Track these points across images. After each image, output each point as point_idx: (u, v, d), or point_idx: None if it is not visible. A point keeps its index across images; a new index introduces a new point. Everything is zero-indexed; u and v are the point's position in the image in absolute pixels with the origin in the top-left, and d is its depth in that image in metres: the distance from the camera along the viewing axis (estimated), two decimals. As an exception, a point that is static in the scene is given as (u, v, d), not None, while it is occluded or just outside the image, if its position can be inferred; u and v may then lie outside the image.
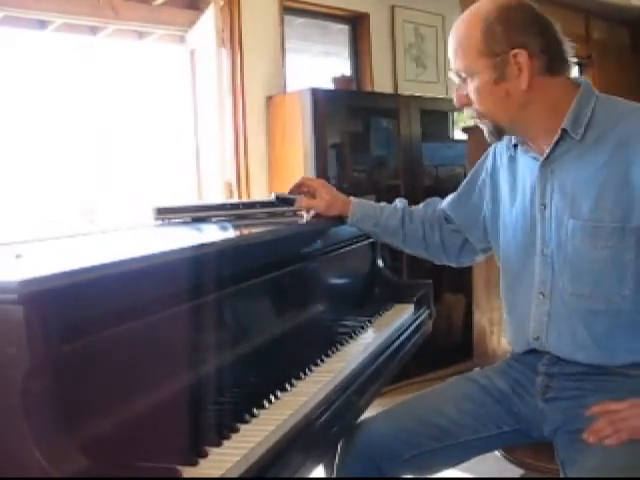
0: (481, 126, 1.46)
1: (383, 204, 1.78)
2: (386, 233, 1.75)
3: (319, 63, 4.58)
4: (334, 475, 1.48)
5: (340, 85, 3.77)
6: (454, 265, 1.78)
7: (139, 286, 1.01)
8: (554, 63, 1.38)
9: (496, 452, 1.53)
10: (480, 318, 3.66)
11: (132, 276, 0.98)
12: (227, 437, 1.02)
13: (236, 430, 1.05)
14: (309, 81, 3.78)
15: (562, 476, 1.31)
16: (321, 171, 3.41)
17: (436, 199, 1.79)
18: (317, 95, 3.39)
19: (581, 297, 1.37)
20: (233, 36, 3.54)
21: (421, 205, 1.77)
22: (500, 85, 1.37)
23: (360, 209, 1.74)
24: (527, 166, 1.48)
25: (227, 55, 3.54)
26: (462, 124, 4.38)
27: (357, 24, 4.26)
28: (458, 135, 4.40)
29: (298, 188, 1.75)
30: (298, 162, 3.44)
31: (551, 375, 1.43)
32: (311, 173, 3.39)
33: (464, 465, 1.53)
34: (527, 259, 1.47)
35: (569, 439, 1.34)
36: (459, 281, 4.08)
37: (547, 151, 1.41)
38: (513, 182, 1.53)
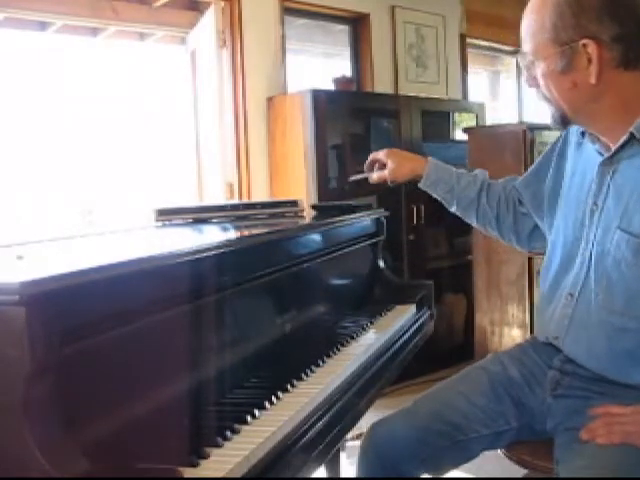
0: (548, 110, 1.38)
1: (462, 171, 1.71)
2: (459, 203, 1.68)
3: (320, 64, 4.58)
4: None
5: (341, 86, 3.77)
6: (526, 249, 1.72)
7: (140, 288, 1.00)
8: (629, 55, 1.25)
9: (498, 451, 1.52)
10: (481, 318, 3.66)
11: (134, 278, 0.98)
12: (228, 438, 1.02)
13: (237, 431, 1.04)
14: (310, 82, 3.78)
15: (555, 473, 1.31)
16: (322, 172, 3.41)
17: (517, 177, 1.69)
18: (318, 96, 3.39)
19: (612, 312, 1.31)
20: (234, 37, 3.54)
21: (501, 180, 1.69)
22: (567, 75, 1.28)
23: (435, 172, 1.69)
24: (590, 158, 1.40)
25: (228, 56, 3.55)
26: (463, 125, 4.39)
27: (358, 25, 4.26)
28: (459, 135, 4.40)
29: (371, 166, 1.81)
30: (299, 163, 3.44)
31: (564, 372, 1.41)
32: (312, 174, 3.39)
33: (465, 464, 1.53)
34: (569, 254, 1.41)
35: (567, 437, 1.33)
36: (460, 282, 4.08)
37: (612, 150, 1.32)
38: (574, 171, 1.46)
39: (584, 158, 1.44)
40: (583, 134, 1.43)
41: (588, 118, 1.35)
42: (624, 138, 1.29)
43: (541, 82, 1.34)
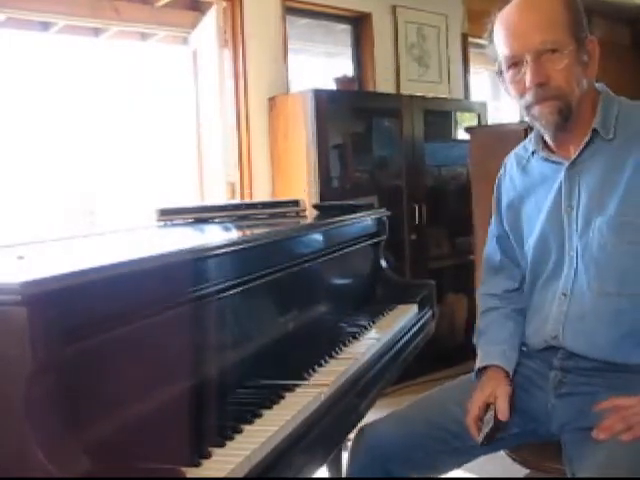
0: (543, 110, 1.37)
1: (504, 328, 1.59)
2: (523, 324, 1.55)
3: (321, 63, 4.58)
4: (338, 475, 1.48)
5: (342, 85, 3.77)
6: None
7: (142, 288, 1.01)
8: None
9: (501, 451, 1.52)
10: (483, 318, 3.65)
11: (135, 277, 0.98)
12: (230, 438, 1.02)
13: (239, 431, 1.05)
14: (311, 82, 3.79)
15: (569, 473, 1.31)
16: (323, 171, 3.41)
17: (496, 259, 1.63)
18: (319, 96, 3.39)
19: (608, 295, 1.36)
20: (235, 37, 3.54)
21: (498, 276, 1.63)
22: (581, 67, 1.36)
23: (505, 354, 1.53)
24: (545, 171, 1.47)
25: (229, 56, 3.55)
26: (465, 124, 4.39)
27: (359, 24, 4.26)
28: (461, 135, 4.40)
29: (484, 410, 1.44)
30: (301, 162, 3.44)
31: (566, 370, 1.41)
32: (313, 173, 3.39)
33: (467, 464, 1.53)
34: (557, 261, 1.44)
35: (578, 436, 1.33)
36: (461, 281, 4.08)
37: (575, 154, 1.40)
38: (527, 189, 1.52)
39: (536, 174, 1.50)
40: (533, 153, 1.50)
41: (578, 112, 1.39)
42: (587, 137, 1.38)
43: (558, 72, 1.33)
